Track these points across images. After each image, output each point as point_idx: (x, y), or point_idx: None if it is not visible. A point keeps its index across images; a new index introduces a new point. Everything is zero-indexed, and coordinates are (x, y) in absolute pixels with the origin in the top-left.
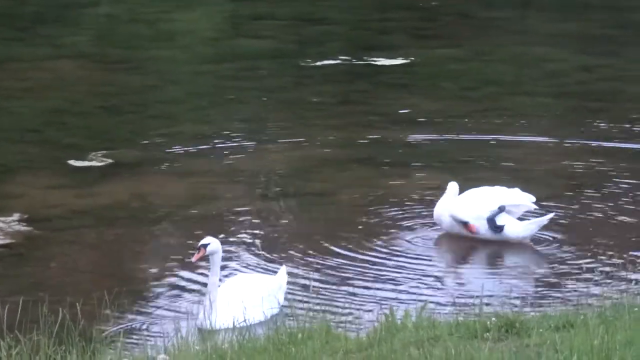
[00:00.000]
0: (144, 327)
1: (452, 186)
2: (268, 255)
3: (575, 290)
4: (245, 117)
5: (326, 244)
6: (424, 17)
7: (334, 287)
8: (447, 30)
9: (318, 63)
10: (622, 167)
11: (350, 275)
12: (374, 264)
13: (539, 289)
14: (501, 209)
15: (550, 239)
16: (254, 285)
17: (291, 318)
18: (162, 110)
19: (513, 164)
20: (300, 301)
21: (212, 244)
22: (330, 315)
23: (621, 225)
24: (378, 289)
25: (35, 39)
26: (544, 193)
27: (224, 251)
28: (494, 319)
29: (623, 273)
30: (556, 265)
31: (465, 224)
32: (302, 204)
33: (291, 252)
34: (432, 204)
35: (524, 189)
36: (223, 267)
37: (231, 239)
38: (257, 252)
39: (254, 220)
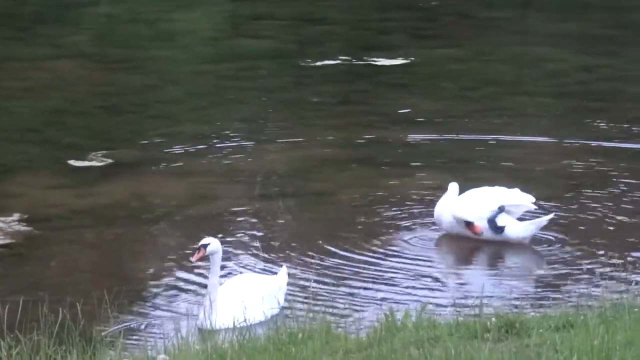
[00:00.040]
0: (144, 327)
1: (453, 187)
2: (267, 256)
3: (575, 291)
4: (245, 117)
5: (326, 244)
6: (424, 17)
7: (334, 287)
8: (447, 30)
9: (318, 63)
10: (622, 167)
11: (350, 276)
12: (374, 264)
13: (539, 289)
14: (501, 209)
15: (550, 239)
16: (254, 285)
17: (291, 317)
18: (162, 110)
19: (513, 164)
20: (300, 301)
21: (212, 244)
22: (330, 315)
23: (621, 225)
24: (378, 289)
25: (35, 39)
26: (543, 193)
27: (223, 251)
28: (494, 319)
29: (623, 273)
30: (556, 265)
31: (469, 225)
32: (302, 204)
33: (291, 252)
34: (432, 204)
35: (523, 189)
36: (223, 267)
37: (231, 239)
38: (256, 252)
39: (253, 221)
